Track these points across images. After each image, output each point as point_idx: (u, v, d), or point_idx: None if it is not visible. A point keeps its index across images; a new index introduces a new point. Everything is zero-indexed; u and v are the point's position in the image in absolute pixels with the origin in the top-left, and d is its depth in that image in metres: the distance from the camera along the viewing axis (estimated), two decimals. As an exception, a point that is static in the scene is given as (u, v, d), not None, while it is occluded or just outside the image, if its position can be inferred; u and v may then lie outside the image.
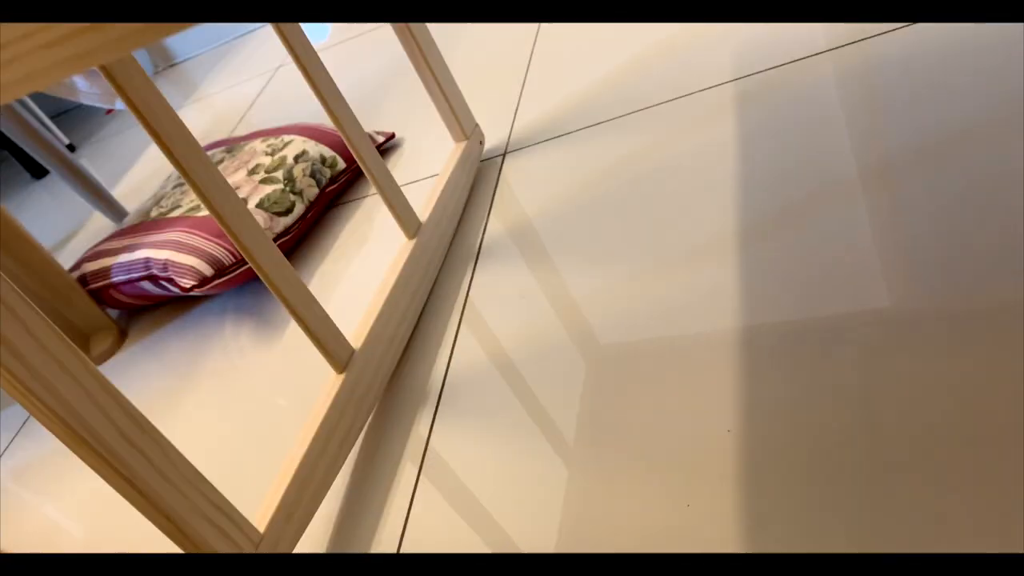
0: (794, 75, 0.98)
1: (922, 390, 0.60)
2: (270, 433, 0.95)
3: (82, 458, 0.56)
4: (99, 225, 1.87)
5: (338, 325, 0.91)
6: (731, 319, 0.74)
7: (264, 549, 0.67)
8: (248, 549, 0.65)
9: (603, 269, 0.88)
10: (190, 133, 0.72)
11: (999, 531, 0.50)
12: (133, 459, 0.58)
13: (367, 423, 0.87)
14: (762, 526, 0.58)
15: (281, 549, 0.70)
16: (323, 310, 0.82)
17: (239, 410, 1.02)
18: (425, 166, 1.29)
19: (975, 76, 0.83)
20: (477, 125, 1.20)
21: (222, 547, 0.63)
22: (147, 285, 1.24)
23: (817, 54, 0.99)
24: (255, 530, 0.67)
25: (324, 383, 0.96)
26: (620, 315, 0.81)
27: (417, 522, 0.74)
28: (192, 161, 0.72)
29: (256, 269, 0.76)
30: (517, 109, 1.29)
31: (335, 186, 1.33)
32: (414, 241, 0.99)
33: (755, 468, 0.61)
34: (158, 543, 0.88)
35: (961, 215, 0.70)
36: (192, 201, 1.32)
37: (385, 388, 0.90)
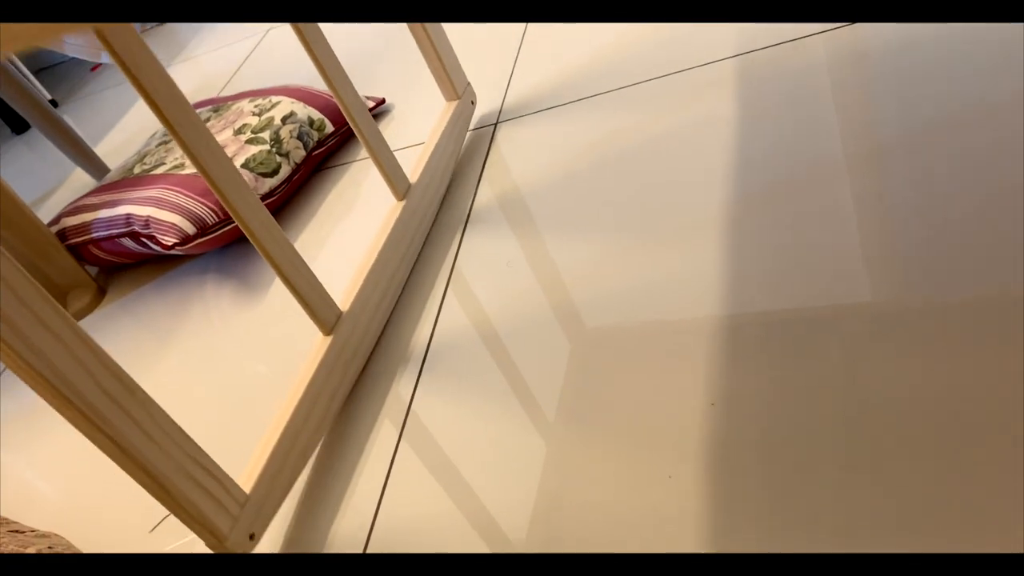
0: (788, 55, 0.98)
1: (903, 382, 0.60)
2: (251, 396, 0.94)
3: (64, 415, 0.55)
4: (80, 182, 1.84)
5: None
6: (717, 299, 0.74)
7: (249, 509, 0.67)
8: (233, 509, 0.65)
9: (591, 242, 0.88)
10: (178, 88, 0.70)
11: (976, 519, 0.50)
12: (116, 417, 0.57)
13: (352, 386, 0.86)
14: (739, 502, 0.58)
15: (266, 510, 0.69)
16: (311, 271, 0.80)
17: (220, 372, 1.01)
18: (414, 133, 1.27)
19: (964, 64, 0.83)
20: (469, 84, 1.18)
21: (206, 506, 0.62)
22: (128, 242, 1.22)
23: (811, 35, 0.99)
24: (240, 490, 0.66)
25: (311, 345, 0.95)
26: (606, 289, 0.81)
27: (396, 486, 0.74)
28: (179, 117, 0.70)
29: (243, 228, 0.74)
30: (511, 79, 1.27)
31: (322, 150, 1.31)
32: (403, 203, 0.97)
33: (736, 444, 0.61)
34: (138, 503, 0.88)
35: (946, 207, 0.71)
36: (176, 159, 1.30)
37: (372, 351, 0.89)
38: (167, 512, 0.84)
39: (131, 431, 0.58)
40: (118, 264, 1.33)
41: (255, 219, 0.75)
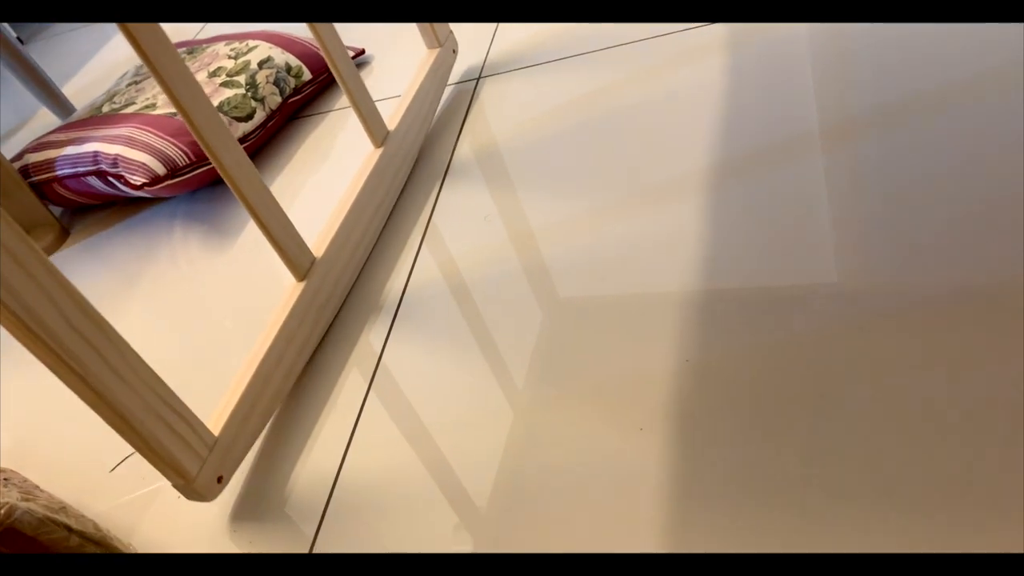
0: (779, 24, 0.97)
1: (867, 359, 0.60)
2: (220, 342, 0.93)
3: (32, 352, 0.54)
4: (46, 121, 1.79)
5: (299, 235, 0.89)
6: (692, 265, 0.74)
7: (217, 452, 0.66)
8: (201, 451, 0.64)
9: (569, 200, 0.87)
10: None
11: (937, 486, 0.51)
12: (85, 354, 0.56)
13: (324, 333, 0.85)
14: (706, 456, 0.58)
15: (235, 454, 0.68)
16: (285, 215, 0.79)
17: (188, 317, 1.00)
18: (394, 85, 1.25)
19: (939, 48, 0.83)
20: (451, 33, 1.16)
21: (175, 447, 0.61)
22: (94, 181, 1.18)
23: None
24: (209, 432, 0.65)
25: (283, 291, 0.94)
26: (583, 248, 0.80)
27: (362, 436, 0.73)
28: (158, 50, 0.68)
29: (218, 167, 0.72)
30: (495, 33, 1.26)
31: (299, 97, 1.28)
32: (381, 150, 0.96)
33: (707, 402, 0.62)
34: (99, 442, 0.86)
35: (918, 187, 0.71)
36: (148, 99, 1.26)
37: (345, 298, 0.88)
38: (128, 453, 0.82)
39: (100, 369, 0.56)
40: (83, 204, 1.30)
41: (230, 158, 0.73)
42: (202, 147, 0.71)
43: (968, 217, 0.66)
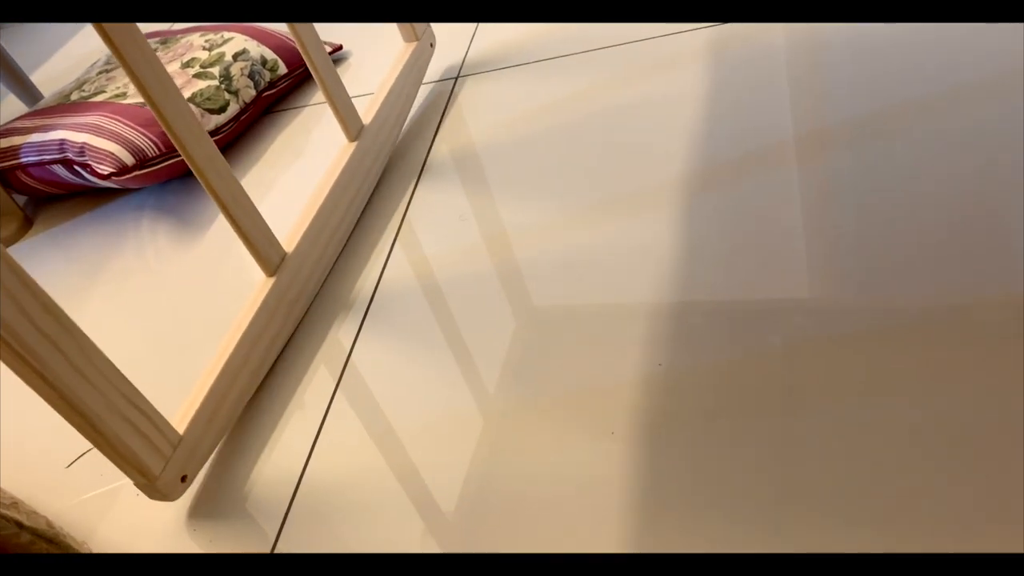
0: (761, 30, 0.97)
1: (836, 376, 0.60)
2: (186, 339, 0.91)
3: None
4: (12, 109, 1.75)
5: (270, 231, 0.87)
6: (666, 273, 0.73)
7: (182, 451, 0.64)
8: (166, 450, 0.62)
9: (545, 203, 0.86)
10: (130, 3, 0.66)
11: (900, 502, 0.51)
12: (45, 351, 0.54)
13: (293, 331, 0.84)
14: (675, 463, 0.58)
15: (200, 453, 0.67)
16: (256, 210, 0.77)
17: (153, 313, 0.97)
18: (370, 82, 1.24)
19: (914, 60, 0.84)
20: (429, 27, 1.15)
21: (138, 446, 0.59)
22: (60, 170, 1.16)
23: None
24: (174, 431, 0.64)
25: (252, 287, 0.92)
26: (558, 252, 0.80)
27: (329, 436, 0.72)
28: (125, 38, 0.66)
29: (187, 159, 0.71)
30: (475, 33, 1.25)
31: (274, 91, 1.26)
32: (356, 144, 0.94)
33: (677, 410, 0.61)
34: (56, 437, 0.84)
35: (889, 201, 0.71)
36: (118, 88, 1.24)
37: (315, 295, 0.87)
38: (86, 448, 0.80)
39: (61, 366, 0.55)
40: (48, 194, 1.27)
41: (200, 150, 0.71)
42: (171, 139, 0.69)
43: (938, 233, 0.66)
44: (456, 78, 1.15)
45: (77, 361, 0.55)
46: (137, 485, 0.61)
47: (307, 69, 1.31)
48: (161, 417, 0.62)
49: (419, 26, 1.11)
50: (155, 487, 0.61)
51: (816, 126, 0.81)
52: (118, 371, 0.59)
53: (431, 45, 1.16)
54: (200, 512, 0.69)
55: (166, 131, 0.69)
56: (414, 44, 1.10)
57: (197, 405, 0.67)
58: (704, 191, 0.79)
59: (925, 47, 0.85)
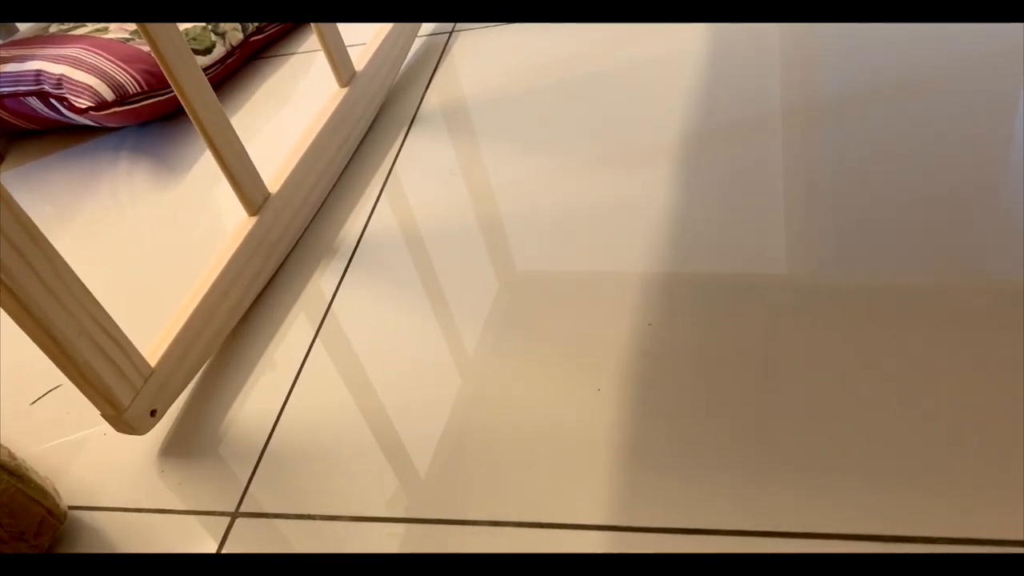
0: None
1: (815, 352, 0.59)
2: (158, 282, 0.88)
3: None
4: (-19, 39, 1.69)
5: (254, 171, 0.84)
6: (654, 236, 0.72)
7: (153, 383, 0.62)
8: (136, 381, 0.60)
9: (534, 160, 0.84)
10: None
11: (864, 474, 0.51)
12: (17, 267, 0.51)
13: (274, 272, 0.81)
14: (655, 424, 0.57)
15: (171, 388, 0.64)
16: (241, 145, 0.75)
17: (126, 254, 0.94)
18: (360, 33, 1.20)
19: (903, 39, 0.83)
20: (428, -12, 1.12)
21: (107, 374, 0.57)
22: (35, 102, 1.12)
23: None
24: (145, 363, 0.61)
25: (233, 226, 0.89)
26: (547, 209, 0.78)
27: (306, 382, 0.69)
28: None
29: (173, 83, 0.68)
30: (469, -14, 1.22)
31: (261, 36, 1.22)
32: (347, 90, 0.92)
33: (663, 369, 0.60)
34: (20, 372, 0.81)
35: (872, 179, 0.70)
36: (99, 22, 1.19)
37: (298, 240, 0.84)
38: (52, 386, 0.78)
39: (31, 283, 0.52)
40: (21, 129, 1.22)
41: (188, 78, 0.68)
42: (159, 62, 0.66)
43: (921, 213, 0.66)
44: (451, 32, 1.12)
45: (50, 281, 0.53)
46: (104, 416, 0.59)
47: (297, 16, 1.28)
48: (133, 347, 0.60)
49: (416, -24, 1.09)
50: (123, 419, 0.59)
51: (807, 98, 0.80)
52: (91, 295, 0.56)
53: (427, -3, 1.13)
54: (171, 452, 0.67)
55: (154, 53, 0.66)
56: (410, -6, 1.07)
57: (171, 339, 0.65)
58: (694, 155, 0.78)
59: (913, 26, 0.84)
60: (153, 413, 0.62)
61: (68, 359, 0.55)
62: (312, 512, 0.58)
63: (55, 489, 0.63)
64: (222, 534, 0.59)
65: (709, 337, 0.62)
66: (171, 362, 0.64)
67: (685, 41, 0.94)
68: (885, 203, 0.67)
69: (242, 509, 0.60)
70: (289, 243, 0.82)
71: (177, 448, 0.67)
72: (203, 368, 0.73)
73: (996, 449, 0.50)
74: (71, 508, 0.65)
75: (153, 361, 0.62)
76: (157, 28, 0.65)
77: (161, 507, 0.62)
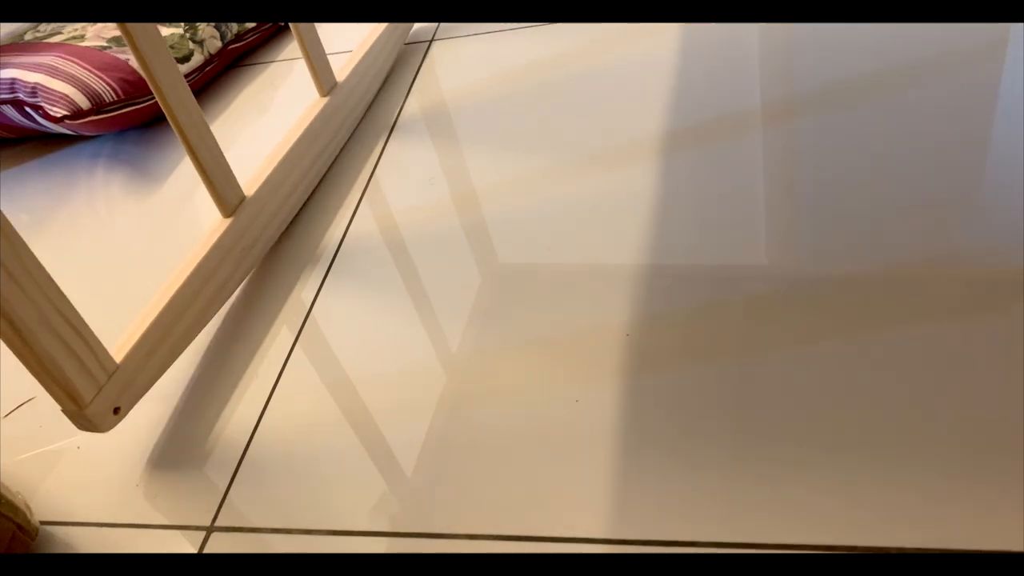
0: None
1: (794, 344, 0.59)
2: (129, 289, 0.86)
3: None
4: (-40, 53, 1.67)
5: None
6: (635, 238, 0.71)
7: (117, 380, 0.60)
8: (100, 376, 0.58)
9: (516, 162, 0.84)
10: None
11: (843, 467, 0.50)
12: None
13: (248, 277, 0.80)
14: (640, 419, 0.55)
15: (136, 386, 0.62)
16: (217, 146, 0.73)
17: (99, 261, 0.92)
18: (338, 42, 1.20)
19: (880, 34, 0.84)
20: (410, -1, 1.12)
21: (69, 367, 0.55)
22: (9, 111, 1.10)
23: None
24: (110, 358, 0.59)
25: (208, 226, 0.87)
26: (526, 214, 0.77)
27: (285, 389, 0.68)
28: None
29: (149, 80, 0.67)
30: (450, -1, 1.22)
31: (240, 44, 1.22)
32: (327, 99, 0.91)
33: (642, 375, 0.59)
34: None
35: (850, 174, 0.70)
36: (75, 29, 1.18)
37: (273, 246, 0.83)
38: (25, 399, 0.75)
39: (-10, 271, 0.50)
40: (-4, 138, 1.21)
41: (165, 75, 0.67)
42: (136, 59, 0.65)
43: (898, 204, 0.66)
44: (430, 41, 1.12)
45: (11, 266, 0.51)
46: (65, 412, 0.57)
47: (275, 25, 1.28)
48: (98, 342, 0.58)
49: (398, -12, 1.09)
50: (84, 415, 0.56)
51: (784, 94, 0.80)
52: (55, 285, 0.54)
53: (409, 11, 1.13)
54: (147, 464, 0.64)
55: (131, 48, 0.65)
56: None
57: (138, 336, 0.63)
58: (672, 153, 0.77)
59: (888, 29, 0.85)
60: (116, 411, 0.60)
61: (28, 348, 0.53)
62: (290, 526, 0.56)
63: (27, 504, 0.61)
64: (197, 548, 0.57)
65: (691, 330, 0.61)
66: (137, 359, 0.62)
67: (663, 42, 0.94)
68: (864, 195, 0.67)
69: (218, 523, 0.58)
70: (264, 247, 0.80)
71: (153, 460, 0.65)
72: (182, 379, 0.71)
73: (984, 446, 0.49)
74: (43, 523, 0.62)
75: (119, 357, 0.61)
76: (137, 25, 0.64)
77: (135, 521, 0.60)
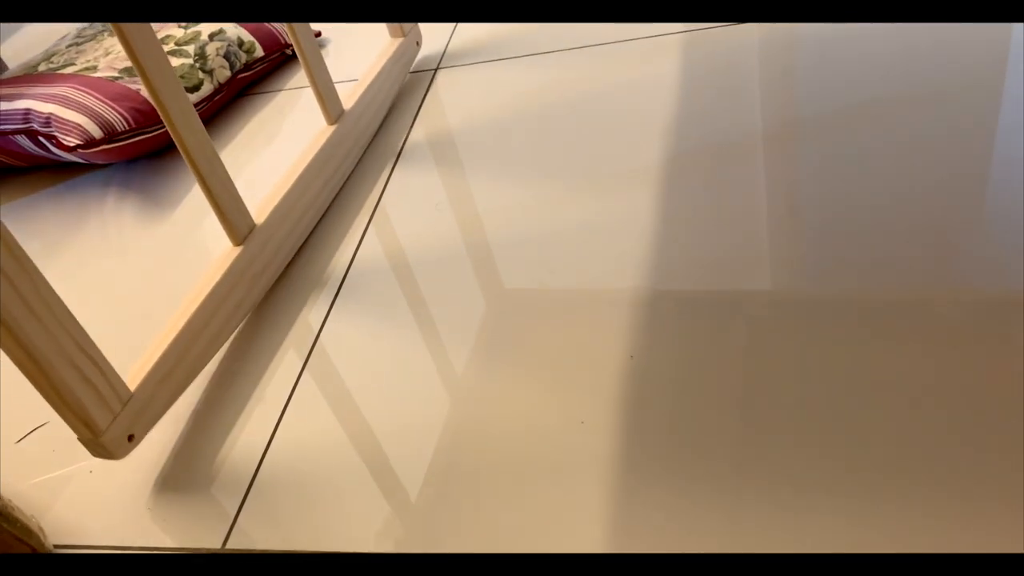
0: (730, 34, 0.98)
1: (796, 365, 0.60)
2: (142, 316, 0.87)
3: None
4: (-27, 83, 1.70)
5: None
6: (639, 261, 0.72)
7: (132, 408, 0.61)
8: (115, 405, 0.59)
9: (521, 188, 0.85)
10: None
11: (847, 483, 0.51)
12: (-6, 287, 0.51)
13: (257, 303, 0.81)
14: (645, 447, 0.56)
15: (151, 413, 0.64)
16: (227, 175, 0.75)
17: (112, 288, 0.94)
18: (349, 69, 1.22)
19: (882, 58, 0.85)
20: (416, 25, 1.14)
21: (85, 396, 0.56)
22: (23, 141, 1.12)
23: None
24: (125, 387, 0.61)
25: (218, 253, 0.89)
26: (531, 240, 0.78)
27: (294, 415, 0.69)
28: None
29: (159, 110, 0.68)
30: (455, 27, 1.24)
31: (249, 73, 1.24)
32: (334, 127, 0.93)
33: (646, 397, 0.60)
34: (7, 412, 0.80)
35: (852, 198, 0.71)
36: (88, 61, 1.21)
37: (282, 273, 0.84)
38: (38, 424, 0.77)
39: (10, 299, 0.52)
40: (9, 166, 1.23)
41: (177, 107, 0.69)
42: (148, 93, 0.67)
43: (899, 228, 0.66)
44: (436, 69, 1.14)
45: (30, 298, 0.53)
46: (81, 440, 0.58)
47: (284, 54, 1.30)
48: (112, 370, 0.59)
49: (406, 24, 1.11)
50: (99, 443, 0.58)
51: (785, 119, 0.81)
52: (72, 316, 0.56)
53: (417, 43, 1.15)
54: (158, 488, 0.65)
55: (143, 80, 0.67)
56: (400, 40, 1.09)
57: (151, 364, 0.64)
58: (675, 177, 0.79)
59: (893, 46, 0.86)
60: (131, 438, 0.61)
61: (45, 378, 0.54)
62: (299, 548, 0.57)
63: (40, 528, 0.62)
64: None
65: (694, 353, 0.62)
66: (150, 386, 0.64)
67: (663, 65, 0.96)
68: (867, 218, 0.68)
69: (228, 546, 0.59)
70: (274, 274, 0.82)
71: (163, 484, 0.66)
72: (192, 403, 0.73)
73: (984, 459, 0.49)
74: (56, 547, 0.63)
75: (133, 385, 0.62)
76: (146, 53, 0.66)
77: (146, 545, 0.61)
